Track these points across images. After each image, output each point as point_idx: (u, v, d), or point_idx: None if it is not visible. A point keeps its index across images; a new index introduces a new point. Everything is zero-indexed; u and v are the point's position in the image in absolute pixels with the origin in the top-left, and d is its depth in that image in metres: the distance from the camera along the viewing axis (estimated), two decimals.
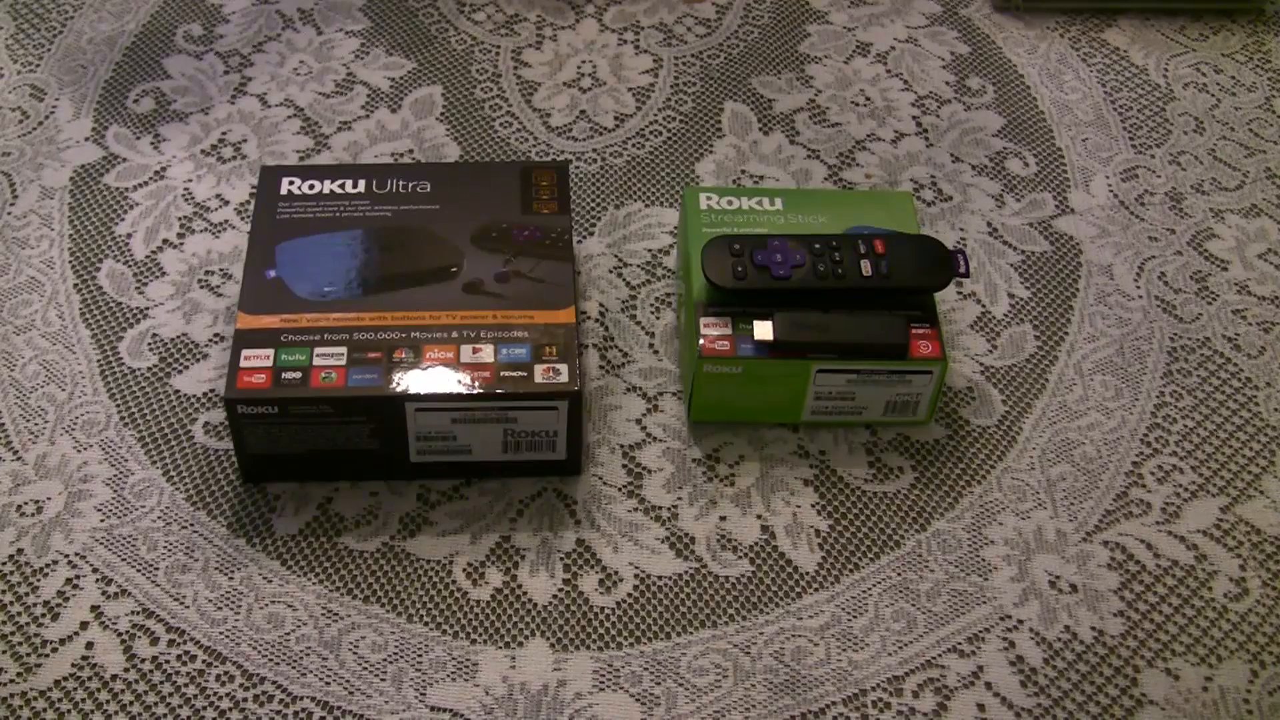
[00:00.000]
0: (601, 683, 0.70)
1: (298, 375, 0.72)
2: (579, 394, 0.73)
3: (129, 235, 0.88)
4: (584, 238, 0.90)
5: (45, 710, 0.68)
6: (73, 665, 0.69)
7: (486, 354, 0.74)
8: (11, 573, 0.72)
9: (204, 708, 0.68)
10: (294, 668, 0.69)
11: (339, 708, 0.68)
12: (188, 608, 0.71)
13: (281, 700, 0.68)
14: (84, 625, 0.71)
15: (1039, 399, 0.82)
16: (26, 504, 0.75)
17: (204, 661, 0.69)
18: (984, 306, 0.87)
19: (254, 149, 0.93)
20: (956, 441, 0.80)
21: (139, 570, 0.73)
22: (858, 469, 0.79)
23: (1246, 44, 1.05)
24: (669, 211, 0.91)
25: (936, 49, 1.03)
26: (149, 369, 0.82)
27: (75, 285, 0.85)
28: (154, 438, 0.78)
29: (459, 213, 0.81)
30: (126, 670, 0.69)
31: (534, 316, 0.76)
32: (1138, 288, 0.88)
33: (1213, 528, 0.77)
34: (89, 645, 0.70)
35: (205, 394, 0.80)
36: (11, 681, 0.68)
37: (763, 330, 0.76)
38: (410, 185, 0.82)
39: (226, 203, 0.90)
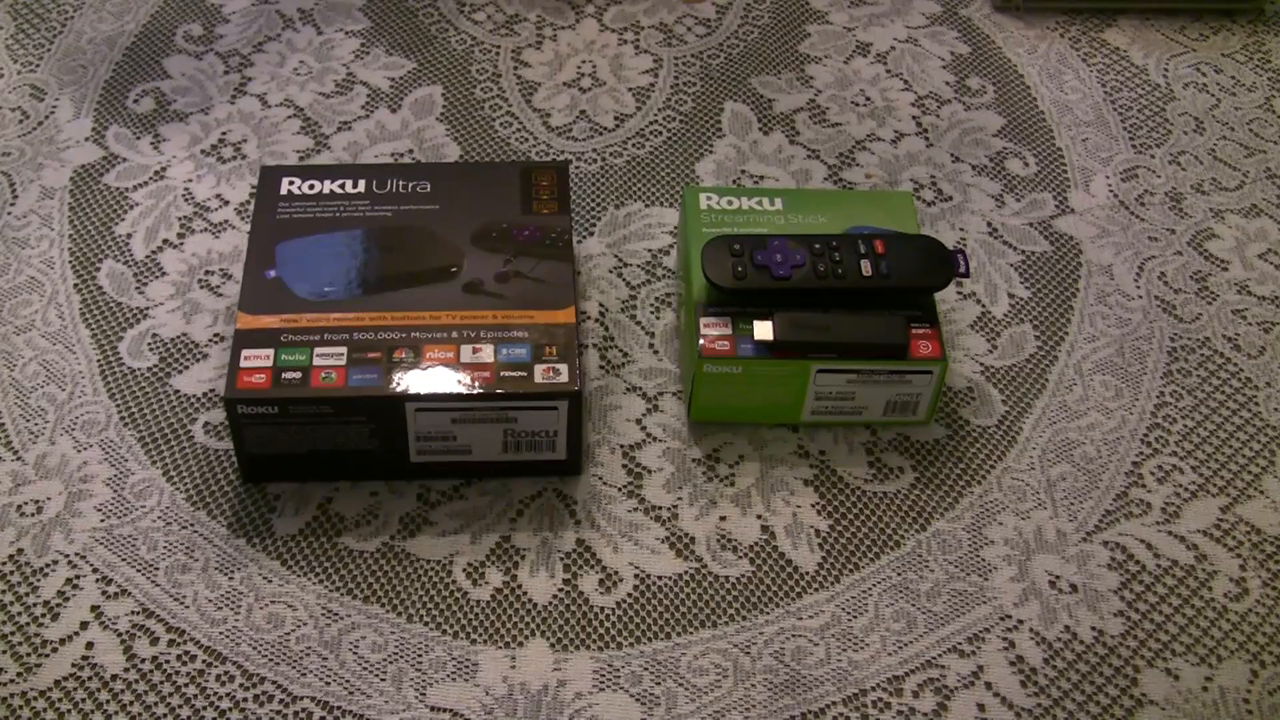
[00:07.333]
0: (601, 683, 0.70)
1: (298, 375, 0.72)
2: (579, 394, 0.73)
3: (129, 235, 0.88)
4: (584, 238, 0.90)
5: (45, 710, 0.68)
6: (73, 665, 0.69)
7: (486, 354, 0.74)
8: (11, 573, 0.72)
9: (204, 708, 0.68)
10: (294, 668, 0.69)
11: (339, 708, 0.68)
12: (188, 608, 0.71)
13: (281, 700, 0.68)
14: (84, 625, 0.71)
15: (1039, 399, 0.82)
16: (26, 504, 0.75)
17: (204, 661, 0.69)
18: (984, 306, 0.87)
19: (254, 149, 0.93)
20: (956, 441, 0.80)
21: (139, 570, 0.73)
22: (858, 469, 0.79)
23: (1246, 44, 1.05)
24: (669, 211, 0.91)
25: (936, 49, 1.03)
26: (149, 369, 0.82)
27: (75, 285, 0.85)
28: (154, 438, 0.78)
29: (459, 213, 0.81)
30: (126, 670, 0.69)
31: (534, 316, 0.76)
32: (1138, 288, 0.88)
33: (1213, 528, 0.77)
34: (89, 645, 0.70)
35: (205, 394, 0.80)
36: (11, 681, 0.68)
37: (763, 330, 0.76)
38: (410, 185, 0.82)
39: (226, 203, 0.90)
